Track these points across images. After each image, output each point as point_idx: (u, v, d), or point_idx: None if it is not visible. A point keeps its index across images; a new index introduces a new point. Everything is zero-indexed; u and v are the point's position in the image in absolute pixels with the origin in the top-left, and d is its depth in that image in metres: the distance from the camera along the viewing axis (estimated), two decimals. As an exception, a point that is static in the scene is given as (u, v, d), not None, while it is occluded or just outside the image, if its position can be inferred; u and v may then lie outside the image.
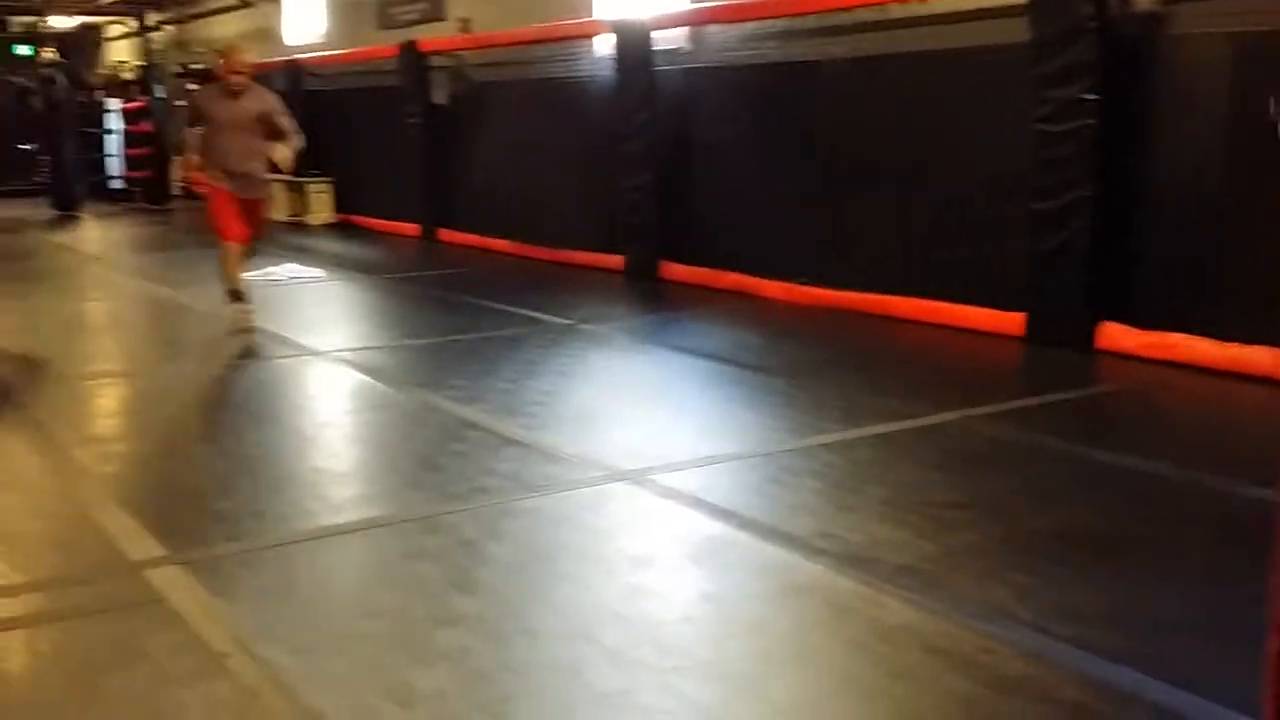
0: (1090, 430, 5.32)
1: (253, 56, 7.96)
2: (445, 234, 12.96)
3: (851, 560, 3.70)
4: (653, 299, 9.18)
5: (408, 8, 14.27)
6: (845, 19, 8.22)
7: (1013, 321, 7.00)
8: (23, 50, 21.67)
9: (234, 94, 7.50)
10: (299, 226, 15.17)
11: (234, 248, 7.66)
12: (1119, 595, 3.45)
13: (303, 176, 15.40)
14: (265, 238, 8.16)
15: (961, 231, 7.46)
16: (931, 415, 5.43)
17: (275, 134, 7.61)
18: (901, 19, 7.77)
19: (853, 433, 5.17)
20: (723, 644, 3.23)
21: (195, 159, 7.74)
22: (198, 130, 7.66)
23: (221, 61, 7.72)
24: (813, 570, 3.66)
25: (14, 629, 3.42)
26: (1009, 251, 7.07)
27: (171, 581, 3.64)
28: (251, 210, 7.77)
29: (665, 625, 3.30)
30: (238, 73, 7.54)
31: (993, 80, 7.18)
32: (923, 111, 7.69)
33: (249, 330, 7.60)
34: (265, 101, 7.68)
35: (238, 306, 7.71)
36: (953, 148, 7.50)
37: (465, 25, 12.96)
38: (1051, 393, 5.96)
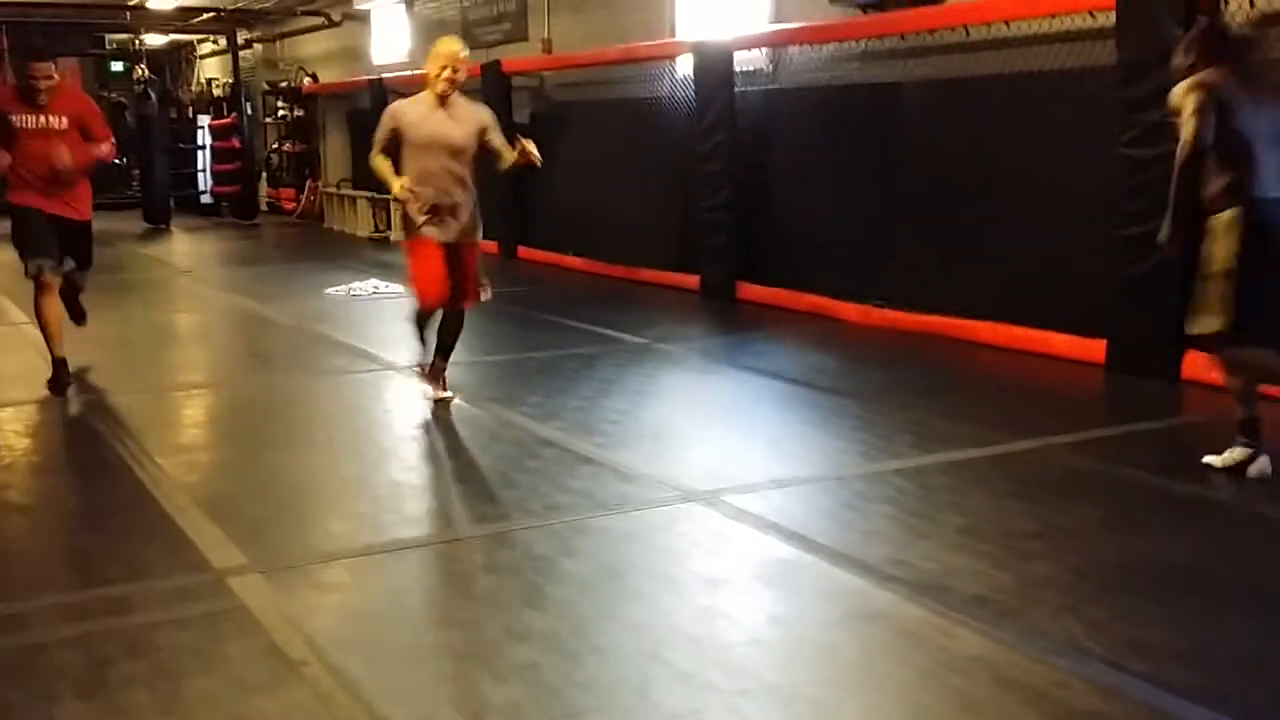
0: (1173, 462, 5.22)
1: (465, 53, 5.97)
2: (524, 251, 13.09)
3: (924, 588, 3.67)
4: (728, 319, 9.19)
5: (492, 28, 14.47)
6: (926, 41, 8.19)
7: (1094, 348, 6.90)
8: (117, 67, 22.34)
9: (444, 103, 5.90)
10: (382, 242, 15.43)
11: (431, 311, 6.08)
12: (1197, 632, 3.39)
13: (386, 195, 15.73)
14: (481, 301, 6.17)
15: (1043, 256, 7.37)
16: (1009, 443, 5.37)
17: (488, 157, 6.06)
18: (983, 41, 7.72)
19: (928, 458, 5.13)
20: (791, 668, 3.23)
21: (405, 181, 5.80)
22: (380, 146, 5.92)
23: (432, 63, 5.86)
24: (884, 597, 3.64)
25: (99, 632, 3.52)
26: (1091, 277, 6.97)
27: (252, 589, 3.74)
28: (460, 262, 5.98)
29: (735, 647, 3.31)
30: (456, 70, 5.84)
31: (1076, 103, 7.09)
32: (1004, 134, 7.62)
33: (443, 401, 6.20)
34: (481, 114, 6.00)
35: (429, 385, 6.26)
36: (1034, 171, 7.42)
37: (547, 45, 13.11)
38: (1134, 422, 5.87)
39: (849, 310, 8.65)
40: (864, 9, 8.82)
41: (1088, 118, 7.00)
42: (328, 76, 19.16)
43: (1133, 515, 4.46)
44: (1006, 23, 7.43)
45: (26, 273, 6.65)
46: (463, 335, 6.24)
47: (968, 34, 7.81)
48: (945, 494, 4.65)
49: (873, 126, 8.62)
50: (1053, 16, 7.14)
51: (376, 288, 10.73)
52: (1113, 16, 6.67)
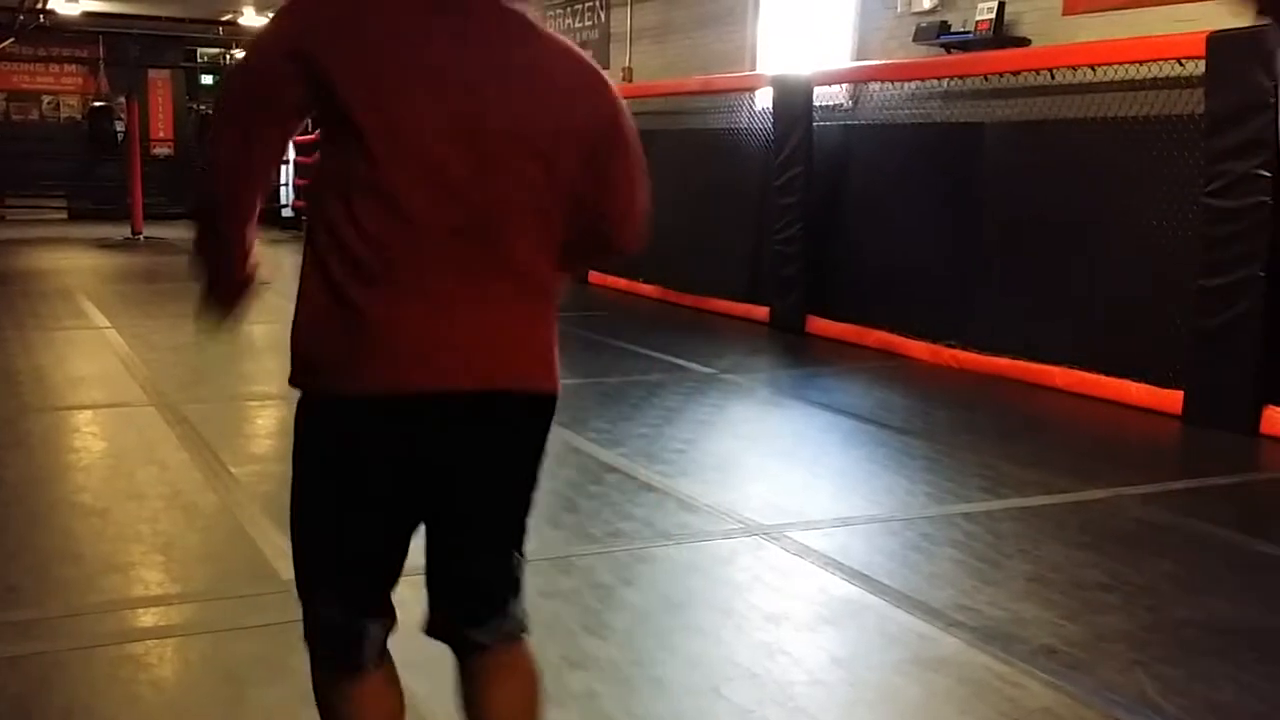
0: (1249, 518, 5.10)
1: None
2: (595, 276, 13.14)
3: (990, 636, 3.62)
4: (796, 352, 9.15)
5: (573, 55, 14.64)
6: (1011, 82, 8.13)
7: (1171, 399, 6.78)
8: (207, 80, 22.87)
9: None
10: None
11: None
12: (1272, 695, 3.30)
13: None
14: None
15: (1120, 303, 7.26)
16: (1080, 491, 5.29)
17: None
18: (1068, 85, 7.65)
19: (997, 503, 5.06)
20: (852, 711, 3.19)
21: None
22: None
23: None
24: (949, 643, 3.59)
25: (168, 637, 3.58)
26: (1170, 326, 6.86)
27: (317, 602, 3.76)
28: None
29: (794, 686, 3.28)
30: None
31: (1160, 151, 6.99)
32: (1086, 179, 7.53)
33: None
34: None
35: None
36: (1115, 217, 7.32)
37: (628, 74, 13.21)
38: (1209, 476, 5.75)
39: (920, 349, 8.58)
40: (948, 49, 8.80)
41: (1171, 166, 6.89)
42: (409, 97, 19.44)
43: (1207, 571, 4.36)
44: (1093, 67, 7.36)
45: (308, 633, 2.35)
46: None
47: (1052, 77, 7.74)
48: (1013, 540, 4.58)
49: (952, 166, 8.56)
50: (1140, 64, 7.06)
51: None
52: (1201, 65, 6.58)
